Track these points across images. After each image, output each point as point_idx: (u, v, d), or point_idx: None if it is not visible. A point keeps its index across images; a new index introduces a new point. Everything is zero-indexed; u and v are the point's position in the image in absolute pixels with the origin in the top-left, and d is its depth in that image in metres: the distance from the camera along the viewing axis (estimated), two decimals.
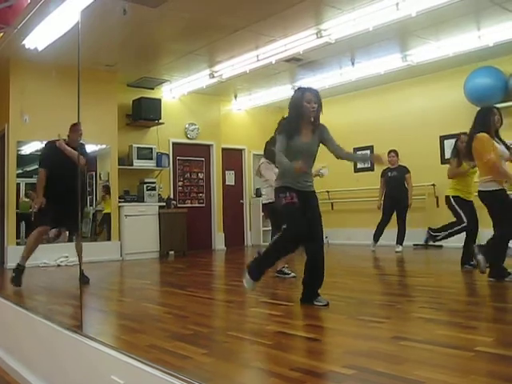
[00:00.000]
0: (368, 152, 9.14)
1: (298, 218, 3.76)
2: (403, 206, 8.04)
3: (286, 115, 4.07)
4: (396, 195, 8.10)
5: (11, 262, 6.81)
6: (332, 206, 10.10)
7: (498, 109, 4.84)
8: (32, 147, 7.89)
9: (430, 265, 5.58)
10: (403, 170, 8.16)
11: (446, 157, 7.99)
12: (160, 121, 9.22)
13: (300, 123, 3.85)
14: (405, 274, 5.98)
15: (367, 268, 6.79)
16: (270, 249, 3.84)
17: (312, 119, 3.85)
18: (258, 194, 10.84)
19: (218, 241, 10.11)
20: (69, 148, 5.50)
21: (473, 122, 4.82)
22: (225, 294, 5.23)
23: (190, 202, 10.03)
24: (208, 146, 10.25)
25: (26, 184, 8.06)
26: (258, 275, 3.83)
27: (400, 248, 7.92)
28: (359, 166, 9.75)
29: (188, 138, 9.96)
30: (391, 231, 8.01)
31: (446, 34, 6.98)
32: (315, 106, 3.80)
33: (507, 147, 4.81)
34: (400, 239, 8.01)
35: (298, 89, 3.94)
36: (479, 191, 4.74)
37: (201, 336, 3.11)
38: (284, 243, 3.81)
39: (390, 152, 8.37)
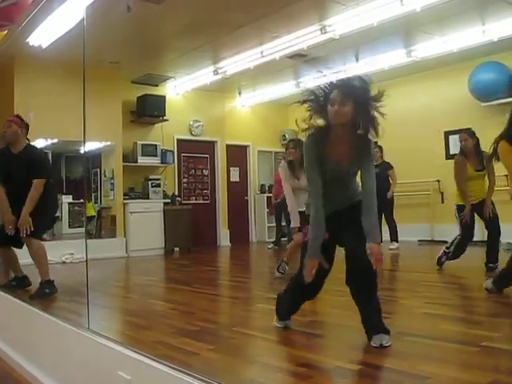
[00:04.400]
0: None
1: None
2: (385, 203, 7.93)
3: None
4: (378, 192, 7.97)
5: None
6: None
7: None
8: (37, 145, 7.85)
9: (434, 260, 5.57)
10: (385, 167, 7.99)
11: (451, 152, 7.98)
12: (164, 117, 9.22)
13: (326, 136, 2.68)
14: (409, 270, 5.98)
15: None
16: None
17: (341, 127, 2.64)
18: (263, 190, 10.86)
19: (223, 237, 10.12)
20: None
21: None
22: (230, 290, 5.25)
23: (194, 198, 10.04)
24: (212, 143, 10.25)
25: None
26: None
27: (395, 245, 7.77)
28: None
29: (192, 134, 9.96)
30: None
31: (451, 29, 6.95)
32: (338, 107, 2.56)
33: None
34: (393, 236, 7.87)
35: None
36: None
37: (207, 332, 3.12)
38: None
39: (374, 148, 8.36)
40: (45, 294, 4.56)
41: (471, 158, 5.16)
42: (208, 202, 10.20)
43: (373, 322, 2.67)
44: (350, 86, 2.61)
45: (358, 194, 2.86)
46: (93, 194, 9.01)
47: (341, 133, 2.66)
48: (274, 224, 9.33)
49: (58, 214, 5.97)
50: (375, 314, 2.69)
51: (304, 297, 2.97)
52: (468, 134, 5.22)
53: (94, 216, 8.76)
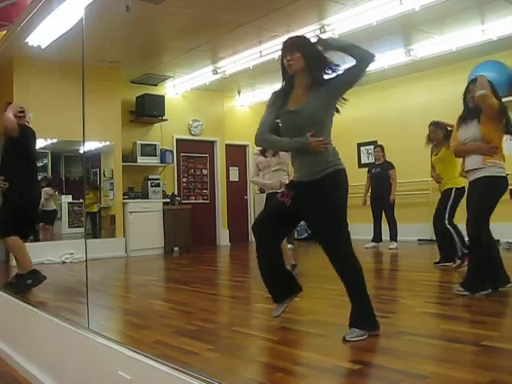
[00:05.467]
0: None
1: (263, 213, 3.49)
2: (387, 202, 7.96)
3: None
4: (379, 191, 8.02)
5: None
6: None
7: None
8: (36, 145, 7.87)
9: (434, 259, 5.58)
10: (387, 166, 8.07)
11: None
12: (164, 117, 9.23)
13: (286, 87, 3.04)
14: (409, 269, 5.98)
15: (371, 263, 6.79)
16: None
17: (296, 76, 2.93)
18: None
19: (223, 237, 10.12)
20: None
21: None
22: (230, 289, 5.25)
23: (194, 198, 10.04)
24: (212, 143, 10.25)
25: None
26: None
27: (394, 245, 7.78)
28: (363, 161, 9.74)
29: (192, 134, 9.96)
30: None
31: (450, 28, 6.95)
32: (289, 58, 2.86)
33: None
34: (392, 235, 7.88)
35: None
36: None
37: (206, 332, 3.12)
38: None
39: (375, 147, 8.40)
40: None
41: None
42: (207, 201, 10.19)
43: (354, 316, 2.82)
44: (293, 38, 2.97)
45: (327, 165, 3.00)
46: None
47: (299, 81, 2.94)
48: None
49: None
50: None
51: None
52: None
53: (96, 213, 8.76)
